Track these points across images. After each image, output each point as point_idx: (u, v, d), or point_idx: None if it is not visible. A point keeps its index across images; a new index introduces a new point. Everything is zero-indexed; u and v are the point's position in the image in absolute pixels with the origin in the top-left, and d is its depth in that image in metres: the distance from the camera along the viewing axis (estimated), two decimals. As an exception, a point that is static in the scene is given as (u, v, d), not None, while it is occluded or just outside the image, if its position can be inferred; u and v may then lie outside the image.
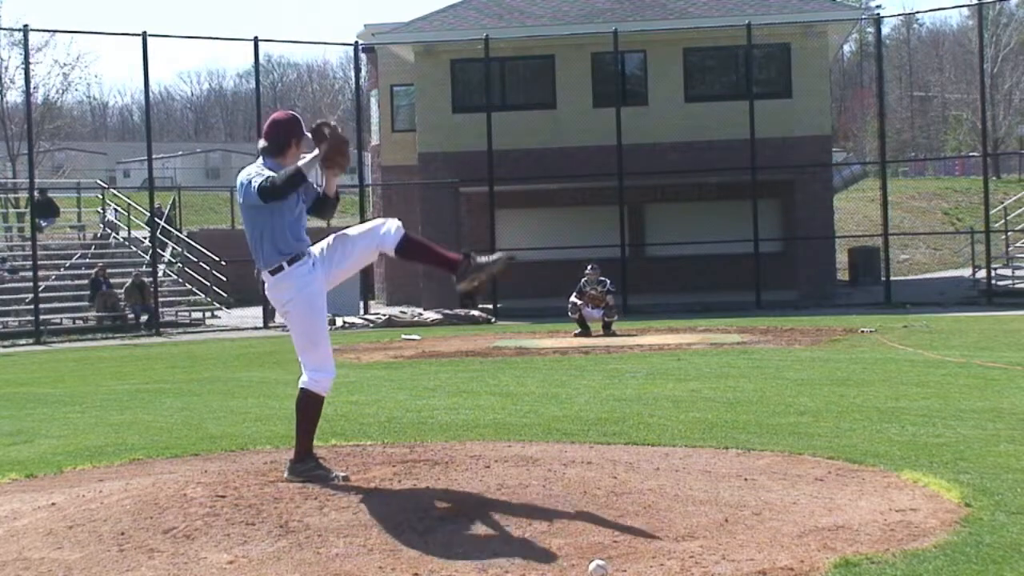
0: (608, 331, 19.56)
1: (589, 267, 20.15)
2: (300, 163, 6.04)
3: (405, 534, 5.33)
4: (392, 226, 6.25)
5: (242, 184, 6.13)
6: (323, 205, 6.40)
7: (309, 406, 6.33)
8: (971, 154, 53.93)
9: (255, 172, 6.14)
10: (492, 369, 14.62)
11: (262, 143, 6.30)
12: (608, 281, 19.95)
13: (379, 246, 6.26)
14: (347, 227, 6.49)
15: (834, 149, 35.11)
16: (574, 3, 30.53)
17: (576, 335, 19.52)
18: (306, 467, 6.25)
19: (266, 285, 6.29)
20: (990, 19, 50.31)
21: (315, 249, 6.32)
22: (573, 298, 19.78)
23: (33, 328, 25.22)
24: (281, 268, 6.17)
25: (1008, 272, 29.24)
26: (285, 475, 6.26)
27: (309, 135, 6.26)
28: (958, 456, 7.34)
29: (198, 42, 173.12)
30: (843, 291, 30.37)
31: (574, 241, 29.31)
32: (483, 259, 6.23)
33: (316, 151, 6.09)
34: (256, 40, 28.45)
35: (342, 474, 6.28)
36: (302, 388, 6.32)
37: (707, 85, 29.61)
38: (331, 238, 6.37)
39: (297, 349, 6.37)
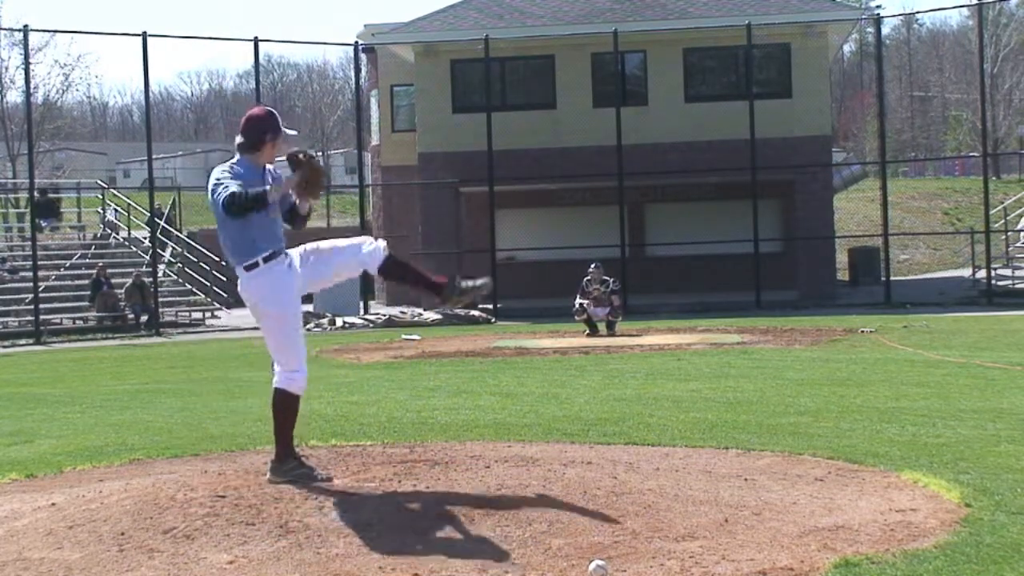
0: (611, 329, 19.56)
1: (592, 266, 20.17)
2: (269, 187, 5.96)
3: (405, 534, 5.33)
4: (376, 246, 6.27)
5: (213, 188, 6.01)
6: (294, 217, 6.33)
7: (288, 406, 6.28)
8: (971, 154, 53.90)
9: (225, 176, 6.03)
10: (492, 369, 14.62)
11: (239, 139, 6.23)
12: (612, 280, 19.94)
13: (361, 264, 6.29)
14: (321, 239, 6.49)
15: (834, 149, 35.11)
16: (574, 3, 30.52)
17: (587, 335, 19.52)
18: (288, 467, 6.23)
19: (240, 282, 6.23)
20: (990, 19, 50.31)
21: (293, 252, 6.29)
22: (577, 300, 19.82)
23: (33, 328, 25.20)
24: (256, 265, 6.12)
25: (1008, 272, 29.23)
26: (268, 477, 6.22)
27: (291, 132, 6.26)
28: (958, 456, 7.34)
29: (198, 42, 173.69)
30: (843, 291, 30.36)
31: (574, 241, 29.30)
32: (468, 283, 6.28)
33: (291, 176, 6.01)
34: (256, 40, 28.46)
35: (324, 474, 6.26)
36: (278, 388, 6.25)
37: (707, 85, 29.60)
38: (307, 246, 6.35)
39: (271, 349, 6.31)
